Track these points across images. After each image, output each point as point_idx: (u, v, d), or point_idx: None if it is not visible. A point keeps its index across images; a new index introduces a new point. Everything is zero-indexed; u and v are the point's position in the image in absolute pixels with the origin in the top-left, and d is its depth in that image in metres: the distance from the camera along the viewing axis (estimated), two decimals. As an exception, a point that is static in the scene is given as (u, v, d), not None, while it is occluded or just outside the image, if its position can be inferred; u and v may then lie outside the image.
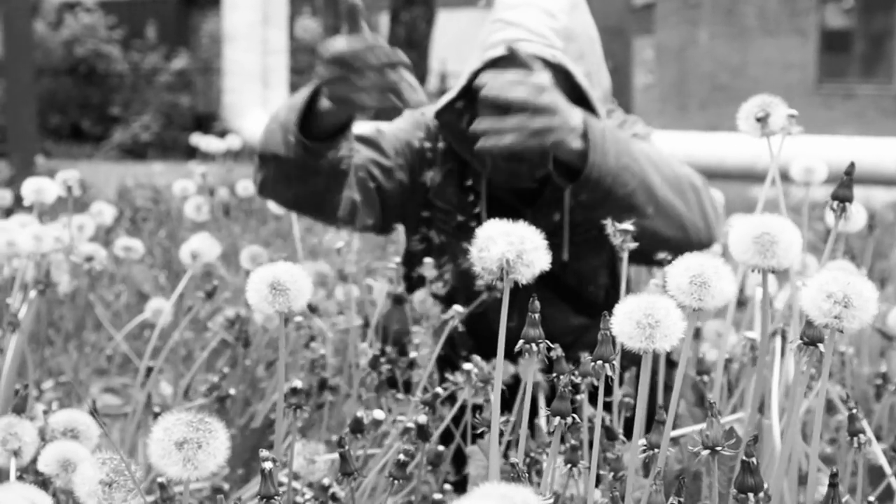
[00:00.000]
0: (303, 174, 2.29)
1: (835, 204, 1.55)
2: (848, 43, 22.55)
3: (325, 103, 2.19)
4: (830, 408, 2.41)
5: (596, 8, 2.56)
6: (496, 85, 2.15)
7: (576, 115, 2.21)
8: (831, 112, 21.24)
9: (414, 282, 2.55)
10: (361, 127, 2.63)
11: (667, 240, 2.38)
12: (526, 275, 1.27)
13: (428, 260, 2.40)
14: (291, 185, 2.34)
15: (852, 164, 1.55)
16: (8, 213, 4.17)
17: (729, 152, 8.58)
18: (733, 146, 8.55)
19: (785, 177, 1.99)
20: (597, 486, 1.64)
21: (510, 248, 1.25)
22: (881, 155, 7.36)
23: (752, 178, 8.40)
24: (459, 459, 2.15)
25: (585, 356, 1.53)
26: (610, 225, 1.85)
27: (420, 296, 2.33)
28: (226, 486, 2.09)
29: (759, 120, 1.88)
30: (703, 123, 20.44)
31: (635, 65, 26.43)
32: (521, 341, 1.33)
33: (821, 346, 1.35)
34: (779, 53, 22.35)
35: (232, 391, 2.43)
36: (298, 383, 1.59)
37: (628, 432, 1.75)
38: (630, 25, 26.65)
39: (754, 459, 1.27)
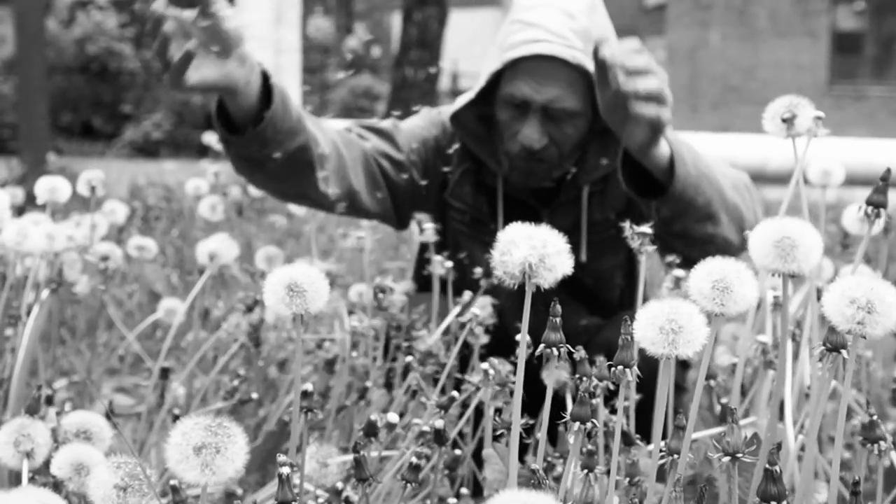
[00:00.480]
0: (253, 162, 2.29)
1: (869, 209, 1.53)
2: (859, 45, 22.52)
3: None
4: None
5: (608, 9, 2.55)
6: (620, 53, 2.11)
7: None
8: (842, 114, 21.19)
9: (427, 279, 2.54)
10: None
11: (731, 244, 2.35)
12: (548, 279, 1.25)
13: (437, 257, 2.38)
14: (252, 170, 2.34)
15: (888, 171, 1.53)
16: (20, 210, 4.16)
17: (740, 153, 8.57)
18: (744, 147, 8.54)
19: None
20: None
21: (532, 252, 1.24)
22: (892, 156, 7.33)
23: (763, 179, 8.37)
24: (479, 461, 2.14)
25: (602, 360, 1.52)
26: (627, 228, 1.83)
27: (482, 301, 2.31)
28: (239, 491, 2.07)
29: (784, 121, 1.86)
30: (715, 124, 20.43)
31: (647, 65, 26.35)
32: (542, 345, 1.31)
33: (844, 352, 1.33)
34: (790, 55, 22.30)
35: (254, 395, 2.42)
36: (309, 386, 1.58)
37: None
38: (642, 26, 26.61)
39: (778, 467, 1.25)
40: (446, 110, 2.69)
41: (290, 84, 11.36)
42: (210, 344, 2.70)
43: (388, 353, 2.36)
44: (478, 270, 2.40)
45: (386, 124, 2.64)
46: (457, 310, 2.24)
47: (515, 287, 1.27)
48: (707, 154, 2.36)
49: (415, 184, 2.62)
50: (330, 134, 2.43)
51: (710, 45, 23.10)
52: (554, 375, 2.02)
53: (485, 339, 2.14)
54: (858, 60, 22.50)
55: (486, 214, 2.63)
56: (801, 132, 1.86)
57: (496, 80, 2.50)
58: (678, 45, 23.50)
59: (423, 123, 2.70)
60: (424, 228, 2.40)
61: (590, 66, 2.37)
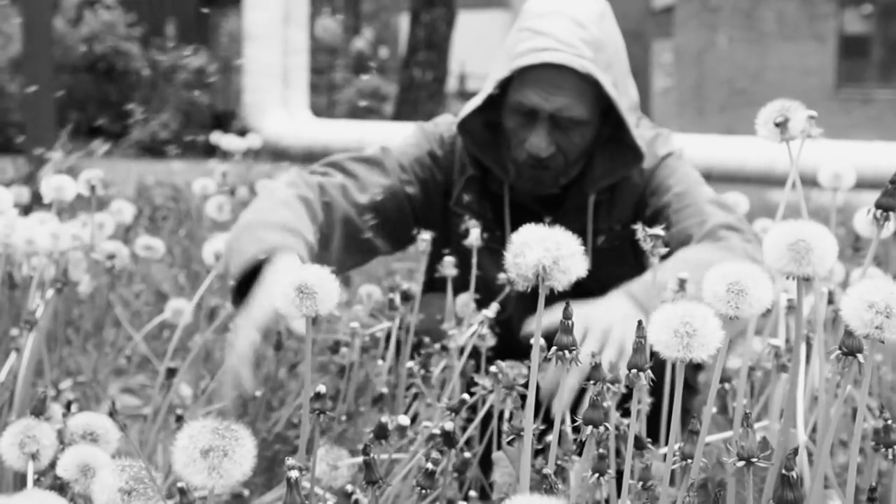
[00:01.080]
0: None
1: (878, 212, 1.52)
2: (866, 48, 22.53)
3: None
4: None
5: (616, 11, 2.55)
6: (563, 397, 1.88)
7: (623, 303, 2.12)
8: (849, 117, 21.20)
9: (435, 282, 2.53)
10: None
11: None
12: (562, 281, 1.24)
13: (448, 259, 2.36)
14: None
15: None
16: (26, 210, 4.16)
17: (747, 156, 8.57)
18: (751, 150, 8.53)
19: (804, 181, 1.95)
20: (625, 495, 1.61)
21: (546, 254, 1.23)
22: (899, 160, 7.33)
23: (771, 181, 8.39)
24: (484, 465, 2.12)
25: (613, 363, 1.50)
26: (640, 230, 1.82)
27: (464, 299, 2.30)
28: (246, 493, 2.06)
29: (777, 125, 1.84)
30: (721, 127, 20.40)
31: (654, 68, 26.41)
32: (553, 348, 1.30)
33: (860, 356, 1.31)
34: (797, 58, 22.31)
35: (258, 393, 2.40)
36: (322, 388, 1.56)
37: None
38: (649, 29, 26.64)
39: (794, 473, 1.24)
40: (443, 121, 2.73)
41: (297, 85, 11.36)
42: (202, 343, 2.68)
43: (401, 354, 2.34)
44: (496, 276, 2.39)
45: (373, 152, 2.62)
46: (491, 309, 2.22)
47: (529, 290, 1.26)
48: (696, 261, 2.19)
49: (414, 200, 2.61)
50: (317, 220, 2.43)
51: (717, 48, 23.11)
52: (547, 377, 2.01)
53: (492, 342, 2.12)
54: (865, 64, 22.51)
55: (492, 221, 2.62)
56: (795, 135, 1.84)
57: (504, 86, 2.50)
58: (686, 47, 23.52)
59: (414, 141, 2.70)
60: (445, 263, 2.36)
61: (598, 75, 2.36)
